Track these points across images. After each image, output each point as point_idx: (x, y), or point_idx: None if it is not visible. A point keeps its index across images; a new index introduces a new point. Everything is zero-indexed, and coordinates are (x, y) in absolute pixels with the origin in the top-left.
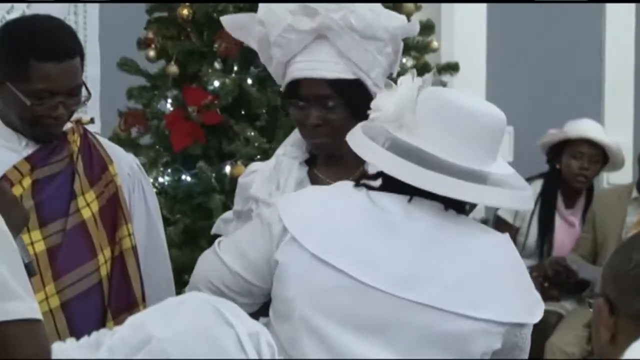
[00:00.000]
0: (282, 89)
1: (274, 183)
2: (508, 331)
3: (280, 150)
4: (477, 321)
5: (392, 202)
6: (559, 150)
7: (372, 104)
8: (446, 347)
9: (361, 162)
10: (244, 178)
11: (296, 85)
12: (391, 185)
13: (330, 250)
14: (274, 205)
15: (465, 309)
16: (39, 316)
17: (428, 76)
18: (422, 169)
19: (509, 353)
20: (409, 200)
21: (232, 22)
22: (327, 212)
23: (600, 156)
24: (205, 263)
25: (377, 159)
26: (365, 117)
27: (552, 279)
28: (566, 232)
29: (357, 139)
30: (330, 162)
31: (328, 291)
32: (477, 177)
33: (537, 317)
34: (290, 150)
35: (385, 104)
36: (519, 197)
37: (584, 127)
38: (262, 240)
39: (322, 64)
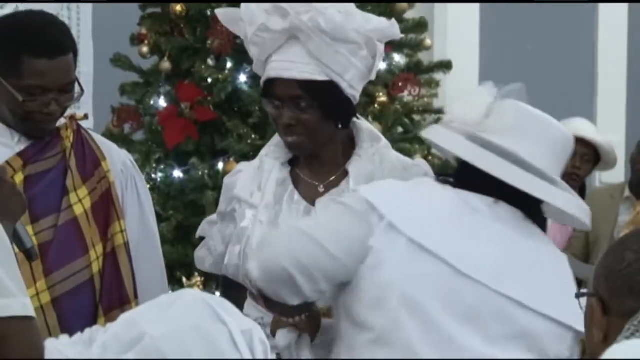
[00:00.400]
0: None
1: (256, 183)
2: (572, 340)
3: (264, 151)
4: (556, 323)
5: (480, 202)
6: None
7: (448, 108)
8: (527, 344)
9: (341, 162)
10: (230, 178)
11: (271, 84)
12: (473, 184)
13: (428, 236)
14: (357, 193)
15: (549, 310)
16: (32, 313)
17: (508, 88)
18: (513, 167)
19: None
20: (495, 202)
21: (225, 16)
22: (421, 202)
23: (592, 155)
24: (293, 242)
25: (468, 153)
26: (340, 118)
27: None
28: (558, 231)
29: (442, 134)
30: (311, 162)
31: (426, 276)
32: (553, 183)
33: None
34: (274, 150)
35: (463, 108)
36: (585, 209)
37: (576, 126)
38: (358, 224)
39: (293, 65)
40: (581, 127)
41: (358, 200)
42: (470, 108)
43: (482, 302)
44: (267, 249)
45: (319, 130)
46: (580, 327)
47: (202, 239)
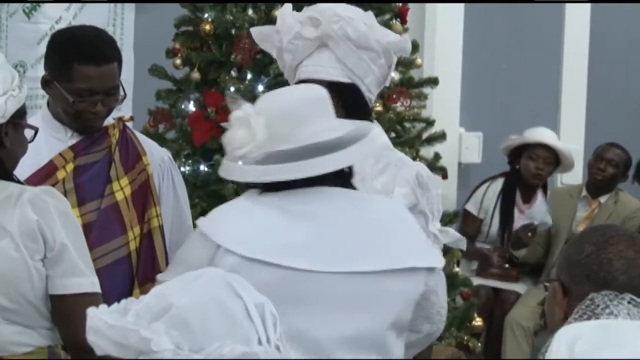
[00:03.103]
0: None
1: None
2: (425, 275)
3: None
4: (400, 272)
5: (298, 197)
6: (518, 153)
7: (229, 140)
8: (378, 306)
9: None
10: None
11: None
12: (277, 185)
13: (260, 249)
14: (199, 228)
15: (388, 264)
16: (98, 290)
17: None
18: (275, 166)
19: (427, 298)
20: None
21: (259, 34)
22: (248, 218)
23: (553, 159)
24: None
25: (246, 175)
26: (359, 118)
27: (513, 244)
28: (523, 223)
29: (230, 169)
30: None
31: (267, 285)
32: (332, 145)
33: (440, 262)
34: None
35: (242, 136)
36: (355, 151)
37: (540, 134)
38: (200, 257)
39: (322, 68)
40: (545, 135)
41: (200, 238)
42: (257, 134)
43: (322, 287)
44: None
45: None
46: (425, 262)
47: None
